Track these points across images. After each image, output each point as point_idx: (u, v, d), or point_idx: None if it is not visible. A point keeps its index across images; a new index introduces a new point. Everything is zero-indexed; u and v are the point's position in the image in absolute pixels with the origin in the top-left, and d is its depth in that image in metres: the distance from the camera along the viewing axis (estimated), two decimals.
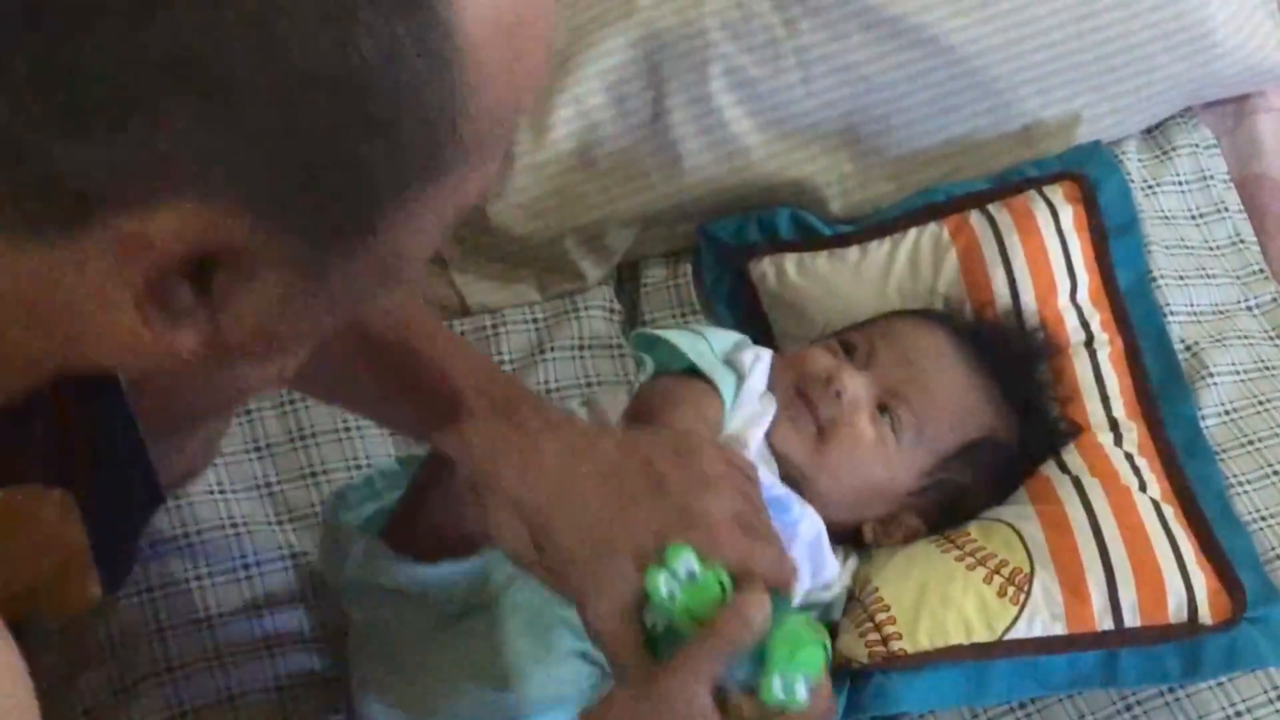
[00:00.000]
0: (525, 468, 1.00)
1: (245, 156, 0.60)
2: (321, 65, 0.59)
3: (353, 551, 1.24)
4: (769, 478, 1.26)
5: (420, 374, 1.07)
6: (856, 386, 1.31)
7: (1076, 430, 1.42)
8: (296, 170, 0.62)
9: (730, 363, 1.28)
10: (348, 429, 1.45)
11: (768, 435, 1.29)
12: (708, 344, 1.28)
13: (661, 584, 0.93)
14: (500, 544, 1.04)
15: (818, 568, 1.27)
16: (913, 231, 1.55)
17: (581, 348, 1.53)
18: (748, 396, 1.27)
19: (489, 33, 0.62)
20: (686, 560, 0.94)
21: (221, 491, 1.40)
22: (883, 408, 1.32)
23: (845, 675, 1.27)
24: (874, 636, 1.28)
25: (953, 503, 1.35)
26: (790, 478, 1.29)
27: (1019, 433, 1.38)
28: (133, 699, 1.27)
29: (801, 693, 0.93)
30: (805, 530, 1.25)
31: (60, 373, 0.74)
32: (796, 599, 1.23)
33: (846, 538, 1.34)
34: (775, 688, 0.92)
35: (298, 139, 0.61)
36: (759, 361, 1.30)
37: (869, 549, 1.35)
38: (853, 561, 1.34)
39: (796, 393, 1.32)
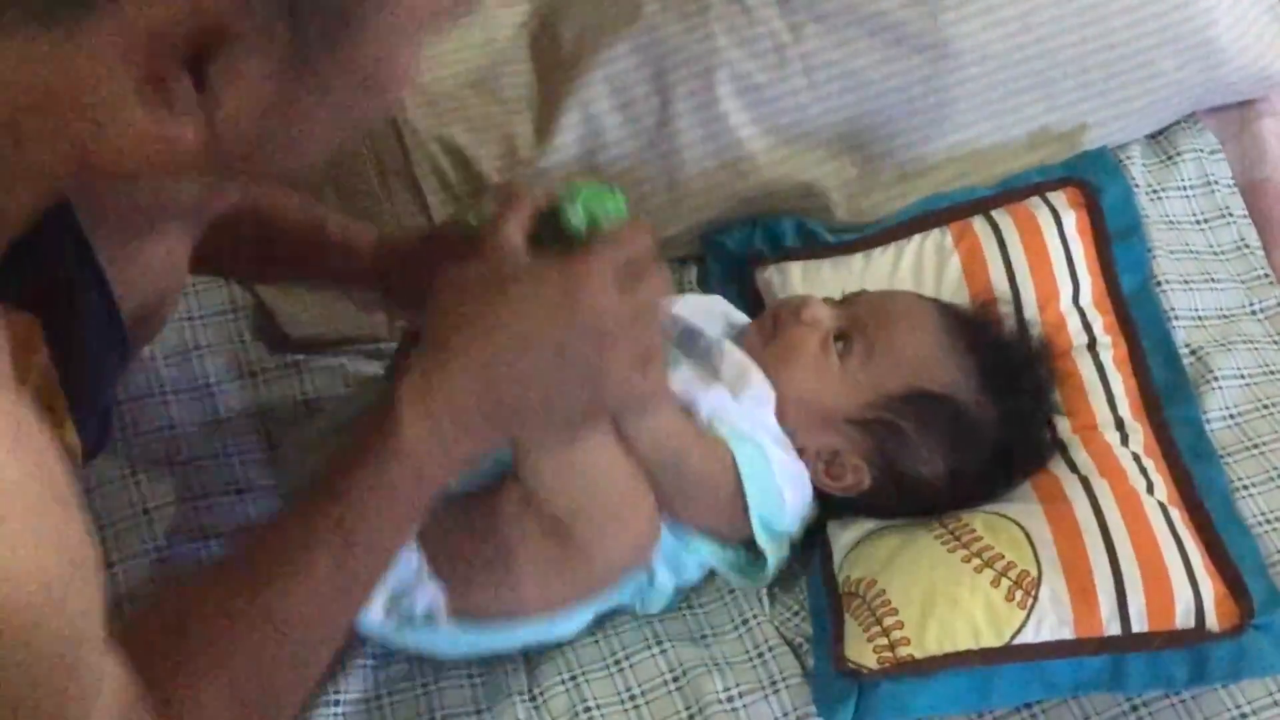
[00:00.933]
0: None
1: None
2: None
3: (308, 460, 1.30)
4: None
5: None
6: (820, 312, 1.37)
7: (1057, 444, 1.43)
8: None
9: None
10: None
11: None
12: None
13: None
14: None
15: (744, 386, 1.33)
16: (916, 238, 1.55)
17: None
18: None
19: None
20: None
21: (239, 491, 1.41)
22: (840, 336, 1.36)
23: (854, 682, 1.28)
24: (882, 642, 1.29)
25: (900, 460, 1.35)
26: None
27: (989, 419, 1.36)
28: None
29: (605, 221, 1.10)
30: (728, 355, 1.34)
31: (63, 192, 0.78)
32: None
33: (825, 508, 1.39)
34: (573, 217, 1.09)
35: None
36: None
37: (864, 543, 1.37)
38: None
39: (770, 312, 1.41)
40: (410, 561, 1.24)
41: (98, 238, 0.94)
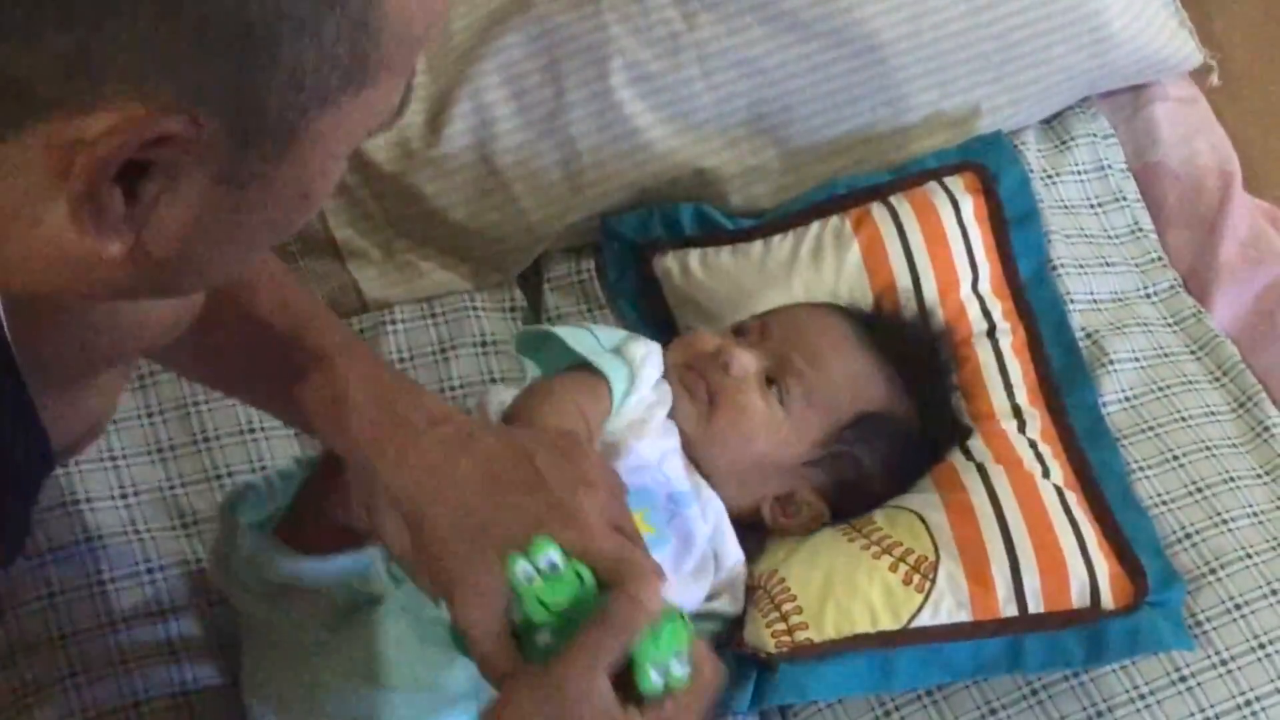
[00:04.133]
0: (403, 460, 0.99)
1: (184, 51, 0.64)
2: None
3: (241, 545, 1.22)
4: (675, 470, 1.27)
5: (305, 363, 1.07)
6: (744, 359, 1.33)
7: (967, 430, 1.43)
8: (230, 66, 0.65)
9: (620, 353, 1.29)
10: (252, 431, 1.43)
11: (671, 414, 1.31)
12: (594, 338, 1.29)
13: (519, 570, 0.92)
14: (381, 537, 1.03)
15: (720, 557, 1.28)
16: (815, 224, 1.55)
17: (484, 344, 1.52)
18: (642, 384, 1.28)
19: None
20: (549, 552, 0.93)
21: (123, 496, 1.38)
22: (770, 380, 1.33)
23: (752, 666, 1.28)
24: (780, 626, 1.29)
25: (853, 483, 1.36)
26: (690, 454, 1.31)
27: (918, 418, 1.38)
28: (36, 706, 1.25)
29: (679, 670, 0.92)
30: (700, 528, 1.26)
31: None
32: (699, 596, 1.24)
33: (750, 527, 1.35)
34: (652, 678, 0.91)
35: (231, 33, 0.64)
36: (651, 353, 1.31)
37: (770, 542, 1.36)
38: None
39: (687, 368, 1.34)
40: None
41: (34, 382, 0.91)
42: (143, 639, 1.30)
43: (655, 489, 1.26)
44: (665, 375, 1.33)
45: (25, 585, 1.31)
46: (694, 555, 1.27)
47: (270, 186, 0.72)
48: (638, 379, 1.28)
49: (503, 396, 1.30)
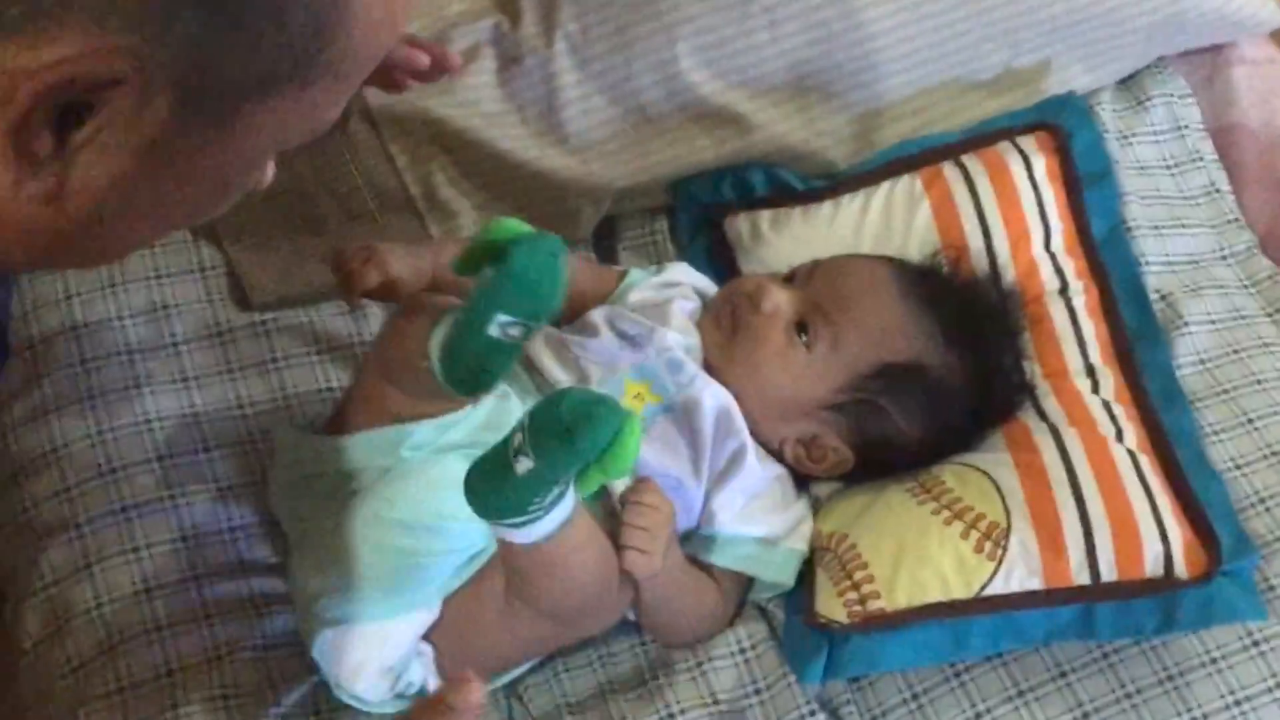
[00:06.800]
0: None
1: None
2: None
3: (283, 446, 1.29)
4: (693, 359, 1.33)
5: None
6: (779, 300, 1.36)
7: (1028, 388, 1.43)
8: (195, 23, 0.66)
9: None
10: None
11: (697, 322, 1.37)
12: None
13: None
14: None
15: (723, 436, 1.31)
16: (885, 184, 1.54)
17: None
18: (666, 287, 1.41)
19: None
20: None
21: (208, 449, 1.40)
22: (801, 326, 1.35)
23: (824, 637, 1.28)
24: (853, 596, 1.29)
25: (881, 434, 1.36)
26: (709, 366, 1.34)
27: (961, 375, 1.37)
28: (120, 656, 1.29)
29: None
30: (708, 399, 1.30)
31: None
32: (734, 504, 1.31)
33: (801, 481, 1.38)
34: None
35: None
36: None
37: (837, 498, 1.38)
38: (803, 506, 1.36)
39: (724, 300, 1.39)
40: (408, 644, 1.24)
41: None
42: (225, 592, 1.33)
43: (668, 370, 1.32)
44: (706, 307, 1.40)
45: (109, 540, 1.34)
46: (704, 432, 1.30)
47: (194, 166, 0.74)
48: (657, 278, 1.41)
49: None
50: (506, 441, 1.05)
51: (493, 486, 1.06)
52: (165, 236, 0.84)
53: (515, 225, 1.13)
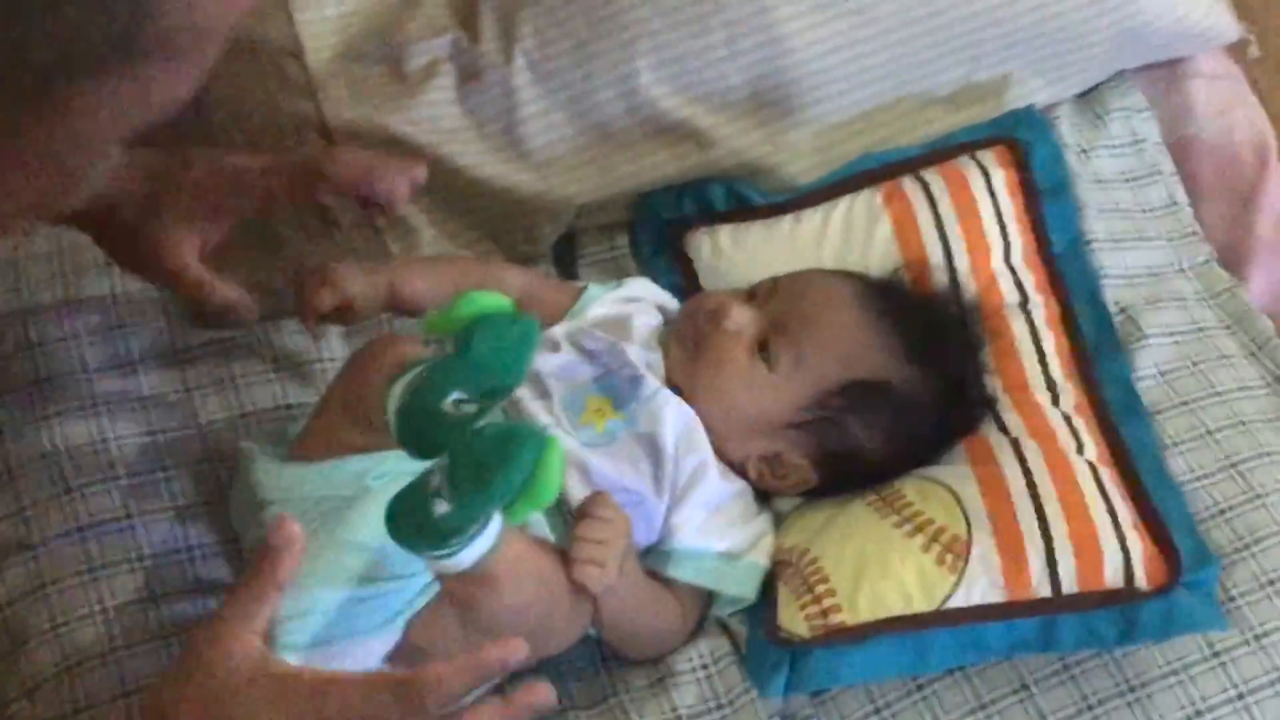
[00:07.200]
0: None
1: None
2: None
3: (247, 470, 1.28)
4: (636, 354, 1.34)
5: None
6: (741, 318, 1.36)
7: (989, 401, 1.43)
8: (11, 18, 0.65)
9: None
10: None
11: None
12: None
13: None
14: None
15: (685, 452, 1.31)
16: (845, 199, 1.54)
17: None
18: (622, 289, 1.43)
19: None
20: None
21: (165, 469, 1.39)
22: (763, 345, 1.35)
23: (786, 652, 1.28)
24: (814, 609, 1.29)
25: (844, 451, 1.36)
26: (671, 383, 1.35)
27: (925, 390, 1.37)
28: (77, 677, 1.28)
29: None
30: (670, 415, 1.30)
31: None
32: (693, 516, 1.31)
33: (762, 495, 1.38)
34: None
35: None
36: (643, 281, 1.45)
37: (797, 513, 1.38)
38: (764, 521, 1.36)
39: (687, 318, 1.39)
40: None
41: None
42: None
43: (630, 386, 1.32)
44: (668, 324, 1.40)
45: (66, 560, 1.33)
46: (666, 448, 1.29)
47: (22, 151, 0.72)
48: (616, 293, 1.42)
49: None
50: (425, 478, 1.05)
51: (412, 522, 1.05)
52: (20, 224, 0.81)
53: (486, 302, 1.12)
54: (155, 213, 1.25)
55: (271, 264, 1.48)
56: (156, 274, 1.31)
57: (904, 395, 1.36)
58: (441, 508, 1.03)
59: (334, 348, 1.48)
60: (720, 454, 1.34)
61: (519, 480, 1.03)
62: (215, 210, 1.28)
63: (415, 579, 1.20)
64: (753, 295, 1.41)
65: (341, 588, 1.19)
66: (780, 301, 1.38)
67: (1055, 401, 1.43)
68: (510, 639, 1.00)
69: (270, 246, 1.51)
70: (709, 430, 1.33)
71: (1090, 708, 1.29)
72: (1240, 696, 1.30)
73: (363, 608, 1.20)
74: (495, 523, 1.08)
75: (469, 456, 1.03)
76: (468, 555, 1.08)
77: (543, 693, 1.00)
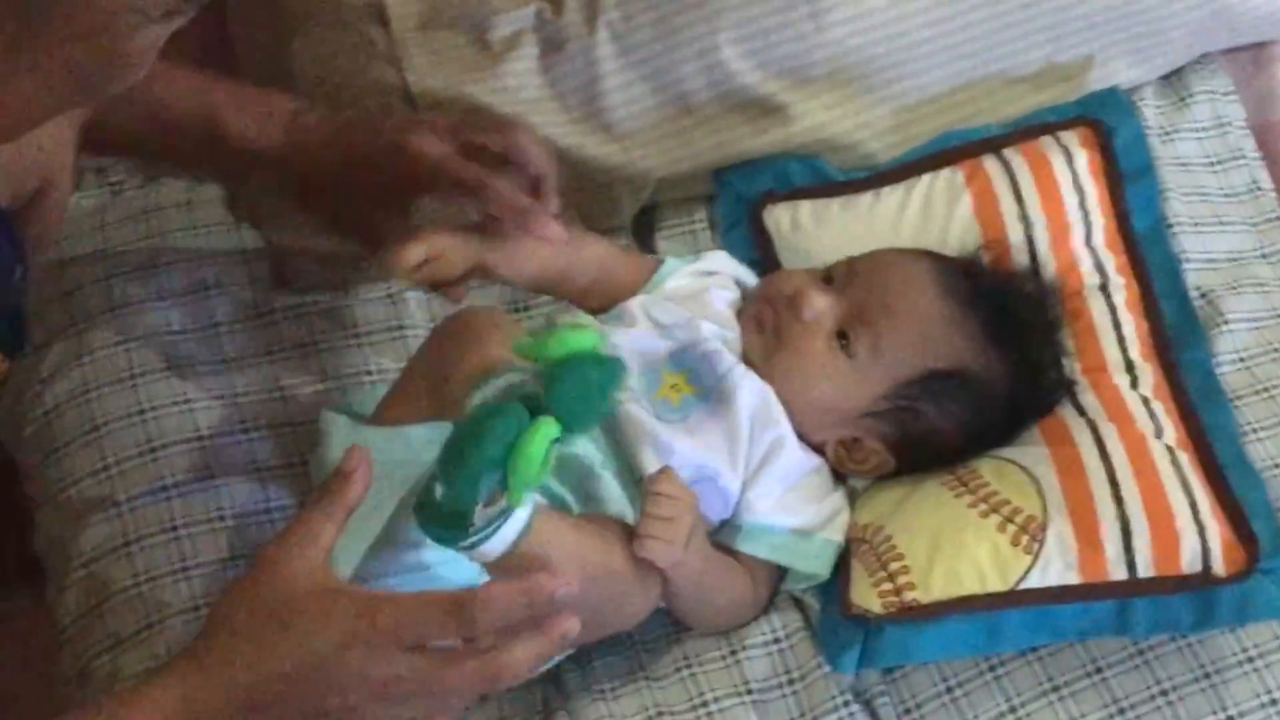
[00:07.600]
0: None
1: None
2: None
3: (328, 435, 1.29)
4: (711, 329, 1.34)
5: None
6: (820, 306, 1.35)
7: (1069, 383, 1.42)
8: None
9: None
10: None
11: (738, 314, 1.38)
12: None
13: None
14: None
15: (761, 428, 1.30)
16: (926, 176, 1.54)
17: None
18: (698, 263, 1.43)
19: None
20: None
21: (246, 431, 1.41)
22: (842, 334, 1.34)
23: (859, 628, 1.28)
24: (888, 586, 1.29)
25: (920, 438, 1.35)
26: (747, 363, 1.34)
27: (1003, 375, 1.36)
28: (158, 634, 1.30)
29: None
30: (745, 391, 1.30)
31: None
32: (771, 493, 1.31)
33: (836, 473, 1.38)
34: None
35: None
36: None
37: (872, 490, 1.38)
38: (839, 497, 1.36)
39: (765, 302, 1.38)
40: None
41: None
42: None
43: (706, 362, 1.31)
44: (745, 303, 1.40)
45: (148, 518, 1.35)
46: (741, 424, 1.29)
47: (45, 45, 0.76)
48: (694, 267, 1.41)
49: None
50: (433, 466, 1.06)
51: (427, 515, 1.07)
52: (54, 111, 0.83)
53: (575, 343, 1.11)
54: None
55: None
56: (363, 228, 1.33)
57: (982, 382, 1.35)
58: (439, 490, 1.04)
59: (415, 316, 1.49)
60: (799, 436, 1.34)
61: (494, 452, 1.03)
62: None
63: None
64: (829, 278, 1.40)
65: (418, 553, 1.20)
66: (858, 287, 1.37)
67: (1134, 384, 1.42)
68: (560, 574, 1.01)
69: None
70: (790, 413, 1.33)
71: (1164, 693, 1.29)
72: None
73: (440, 570, 1.20)
74: (524, 509, 1.09)
75: (453, 435, 1.05)
76: (497, 543, 1.09)
77: (574, 624, 1.00)
